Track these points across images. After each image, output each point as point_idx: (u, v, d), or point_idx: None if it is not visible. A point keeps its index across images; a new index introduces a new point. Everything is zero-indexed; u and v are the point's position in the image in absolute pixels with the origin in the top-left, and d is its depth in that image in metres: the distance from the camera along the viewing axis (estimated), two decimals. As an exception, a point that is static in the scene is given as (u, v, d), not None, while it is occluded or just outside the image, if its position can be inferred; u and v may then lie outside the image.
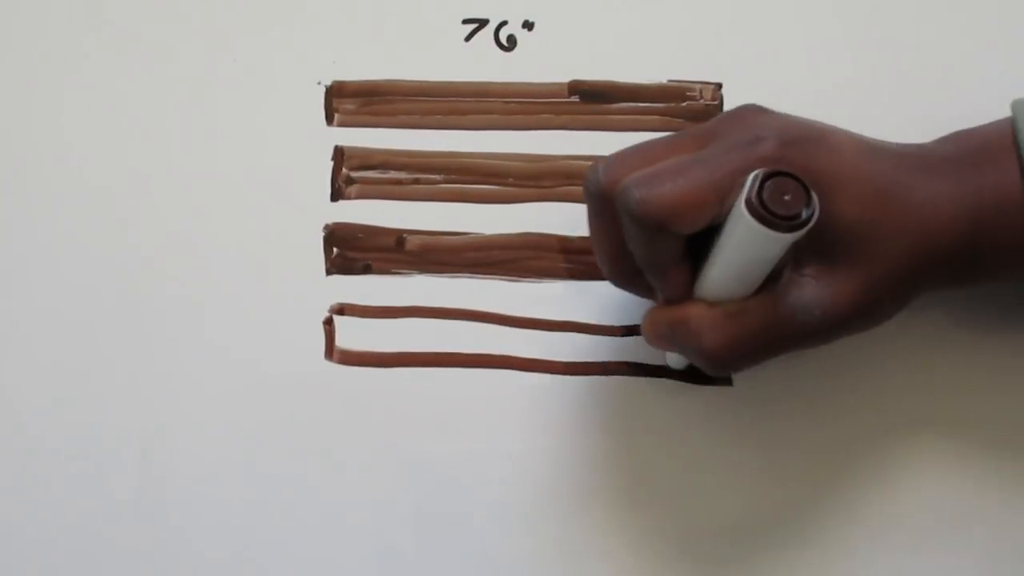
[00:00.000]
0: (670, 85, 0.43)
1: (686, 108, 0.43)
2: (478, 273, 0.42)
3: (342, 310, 0.42)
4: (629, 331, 0.41)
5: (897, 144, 0.37)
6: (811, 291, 0.34)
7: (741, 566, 0.40)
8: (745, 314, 0.35)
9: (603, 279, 0.39)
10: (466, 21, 0.45)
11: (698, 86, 0.43)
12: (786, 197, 0.31)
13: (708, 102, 0.43)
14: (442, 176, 0.43)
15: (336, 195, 0.43)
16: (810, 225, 0.31)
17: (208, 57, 0.44)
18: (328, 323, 0.42)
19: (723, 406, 0.41)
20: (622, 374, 0.41)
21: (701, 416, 0.41)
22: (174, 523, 0.40)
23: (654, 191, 0.33)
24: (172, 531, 0.40)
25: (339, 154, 0.43)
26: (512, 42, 0.44)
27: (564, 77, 0.44)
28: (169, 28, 0.45)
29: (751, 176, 0.32)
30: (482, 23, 0.44)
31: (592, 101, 0.43)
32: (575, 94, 0.44)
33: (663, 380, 0.41)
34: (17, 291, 0.42)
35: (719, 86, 0.43)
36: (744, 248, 0.33)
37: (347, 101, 0.44)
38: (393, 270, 0.42)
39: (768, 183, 0.31)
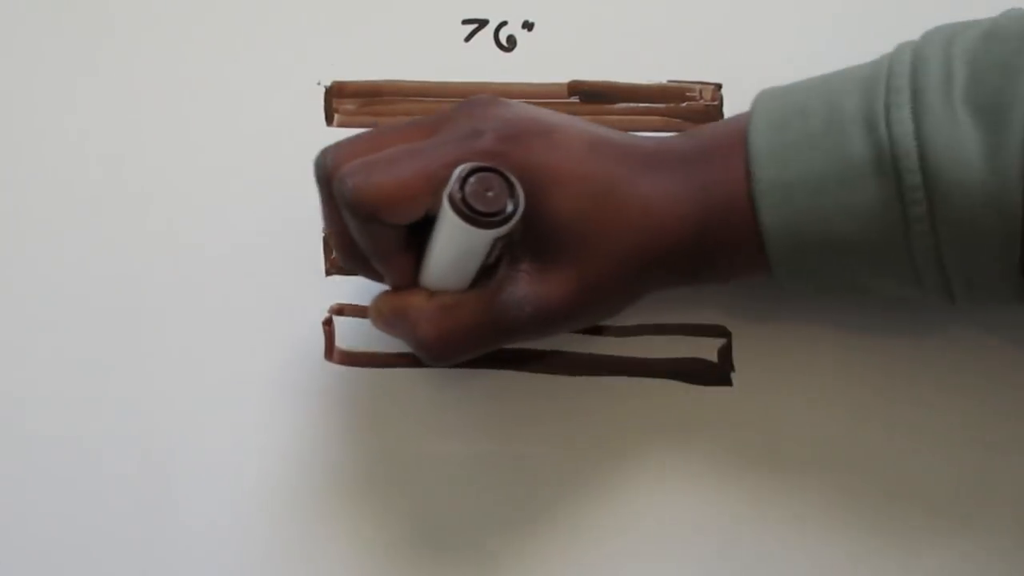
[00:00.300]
0: (670, 85, 0.43)
1: (686, 108, 0.43)
2: (478, 273, 0.42)
3: (342, 310, 0.42)
4: (629, 331, 0.41)
5: (635, 138, 0.36)
6: (524, 287, 0.34)
7: (741, 566, 0.40)
8: (460, 307, 0.35)
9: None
10: (466, 21, 0.45)
11: (698, 86, 0.43)
12: (489, 193, 0.31)
13: (708, 102, 0.43)
14: (442, 176, 0.43)
15: (336, 195, 0.43)
16: (511, 223, 0.31)
17: (208, 57, 0.44)
18: (328, 323, 0.42)
19: (723, 406, 0.41)
20: (622, 374, 0.41)
21: (701, 416, 0.41)
22: (174, 523, 0.40)
23: (367, 180, 0.33)
24: (172, 531, 0.40)
25: (339, 154, 0.43)
26: (512, 42, 0.44)
27: (564, 77, 0.44)
28: (169, 28, 0.45)
29: (456, 171, 0.32)
30: (482, 23, 0.44)
31: (592, 101, 0.43)
32: (575, 94, 0.44)
33: (663, 380, 0.41)
34: (17, 291, 0.42)
35: (719, 86, 0.43)
36: (452, 241, 0.33)
37: (347, 101, 0.44)
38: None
39: (472, 178, 0.31)
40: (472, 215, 0.31)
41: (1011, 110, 0.31)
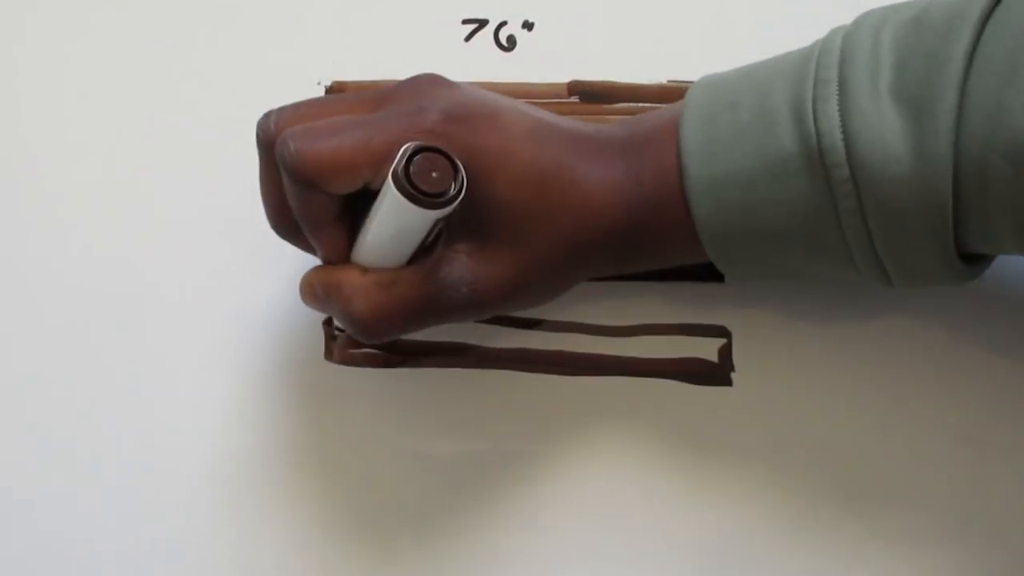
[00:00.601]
0: (670, 85, 0.43)
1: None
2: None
3: (342, 310, 0.42)
4: (629, 331, 0.41)
5: (579, 125, 0.36)
6: (461, 268, 0.34)
7: (741, 565, 0.40)
8: (395, 284, 0.35)
9: (604, 279, 0.40)
10: (466, 21, 0.45)
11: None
12: (434, 174, 0.31)
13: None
14: (442, 176, 0.43)
15: (336, 195, 0.43)
16: (454, 205, 0.32)
17: (208, 57, 0.44)
18: (328, 323, 0.42)
19: (723, 406, 0.41)
20: (622, 374, 0.41)
21: (701, 416, 0.41)
22: (174, 523, 0.40)
23: (308, 146, 0.33)
24: (171, 531, 0.40)
25: (339, 154, 0.43)
26: (512, 42, 0.44)
27: (564, 77, 0.44)
28: (169, 28, 0.45)
29: (402, 149, 0.31)
30: (482, 23, 0.44)
31: (592, 101, 0.43)
32: (575, 94, 0.44)
33: (663, 380, 0.41)
34: (16, 291, 0.42)
35: (719, 86, 0.43)
36: (392, 218, 0.33)
37: (347, 101, 0.44)
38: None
39: (418, 157, 0.31)
40: (416, 194, 0.31)
41: (937, 101, 0.31)
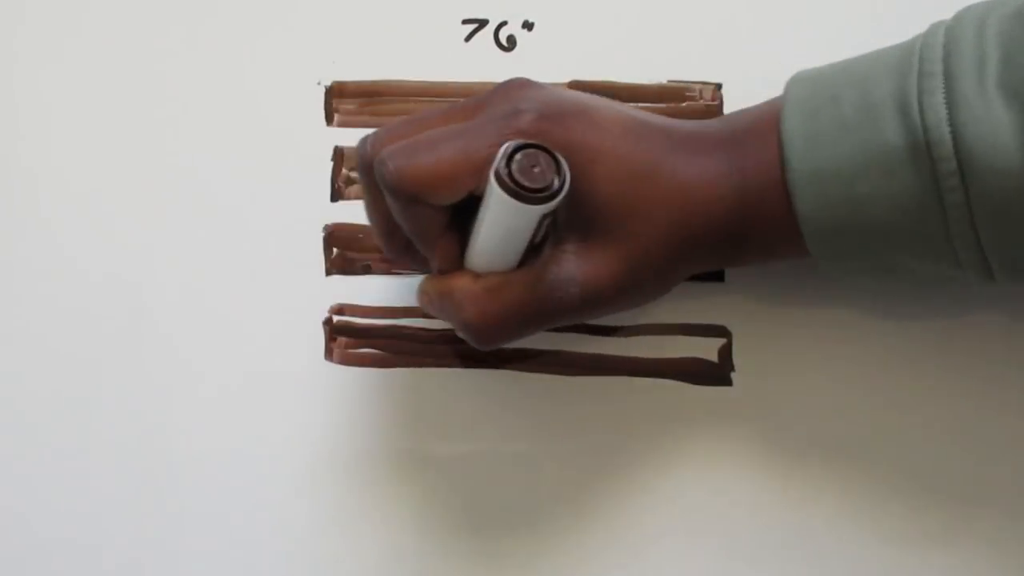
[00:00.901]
0: (670, 85, 0.43)
1: (686, 108, 0.43)
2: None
3: (342, 310, 0.42)
4: (629, 331, 0.41)
5: (672, 121, 0.36)
6: (570, 267, 0.34)
7: (741, 565, 0.40)
8: (506, 288, 0.35)
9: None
10: (466, 21, 0.45)
11: (698, 86, 0.43)
12: (536, 169, 0.31)
13: (708, 102, 0.43)
14: (442, 176, 0.43)
15: (336, 195, 0.43)
16: (559, 198, 0.31)
17: (208, 57, 0.44)
18: (328, 323, 0.42)
19: (723, 406, 0.41)
20: (622, 374, 0.41)
21: (701, 416, 0.41)
22: (174, 523, 0.40)
23: (408, 162, 0.33)
24: (172, 531, 0.40)
25: (339, 154, 0.43)
26: (512, 42, 0.44)
27: (564, 77, 0.44)
28: (169, 28, 0.45)
29: (502, 148, 0.32)
30: (482, 23, 0.44)
31: (592, 101, 0.43)
32: (575, 94, 0.44)
33: (663, 380, 0.41)
34: (17, 291, 0.42)
35: (719, 86, 0.43)
36: (498, 220, 0.33)
37: (347, 101, 0.44)
38: (393, 270, 0.42)
39: (518, 155, 0.31)
40: (519, 191, 0.31)
41: None
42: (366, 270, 0.42)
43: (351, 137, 0.43)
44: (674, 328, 0.41)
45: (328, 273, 0.42)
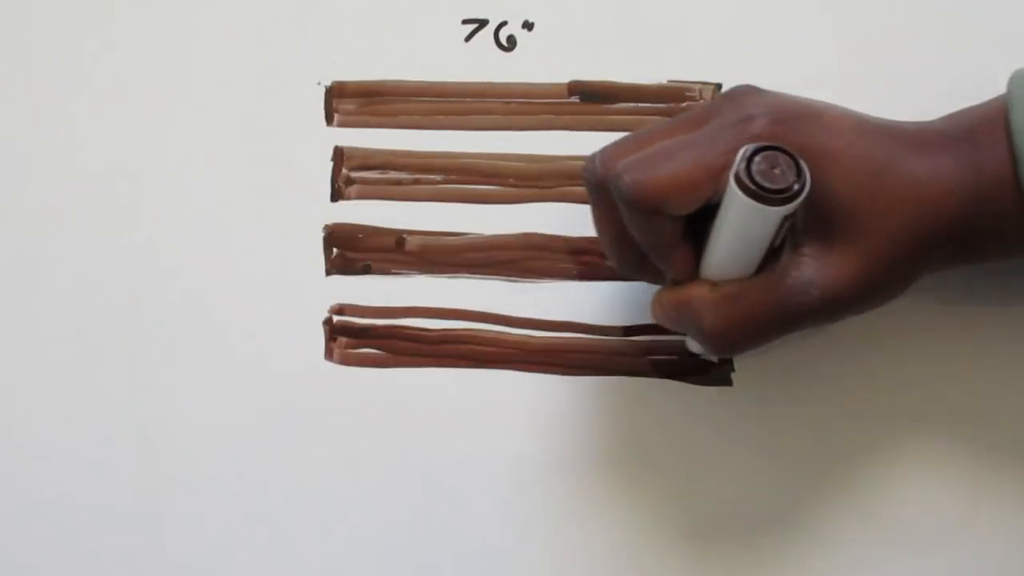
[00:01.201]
0: (670, 85, 0.43)
1: (686, 108, 0.43)
2: (478, 273, 0.42)
3: (342, 310, 0.42)
4: (629, 331, 0.41)
5: (892, 122, 0.36)
6: (810, 270, 0.34)
7: (742, 565, 0.40)
8: (745, 295, 0.35)
9: (603, 279, 0.40)
10: (466, 21, 0.45)
11: (698, 86, 0.43)
12: (776, 171, 0.31)
13: (708, 103, 0.43)
14: (442, 176, 0.43)
15: (336, 195, 0.43)
16: (801, 198, 0.31)
17: (208, 57, 0.44)
18: (328, 323, 0.42)
19: (723, 406, 0.41)
20: (622, 374, 0.41)
21: (701, 416, 0.41)
22: (174, 523, 0.40)
23: (646, 175, 0.33)
24: (172, 531, 0.40)
25: (339, 154, 0.43)
26: (512, 42, 0.44)
27: (564, 77, 0.44)
28: (168, 28, 0.45)
29: (741, 151, 0.32)
30: (482, 23, 0.44)
31: (592, 101, 0.43)
32: (575, 94, 0.44)
33: (663, 380, 0.41)
34: (18, 291, 0.42)
35: (719, 86, 0.43)
36: (738, 225, 0.33)
37: (347, 101, 0.44)
38: (393, 270, 0.42)
39: (757, 157, 0.31)
40: (761, 193, 0.31)
41: None
42: (366, 270, 0.42)
43: (351, 137, 0.43)
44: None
45: (328, 273, 0.42)
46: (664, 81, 0.43)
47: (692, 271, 0.36)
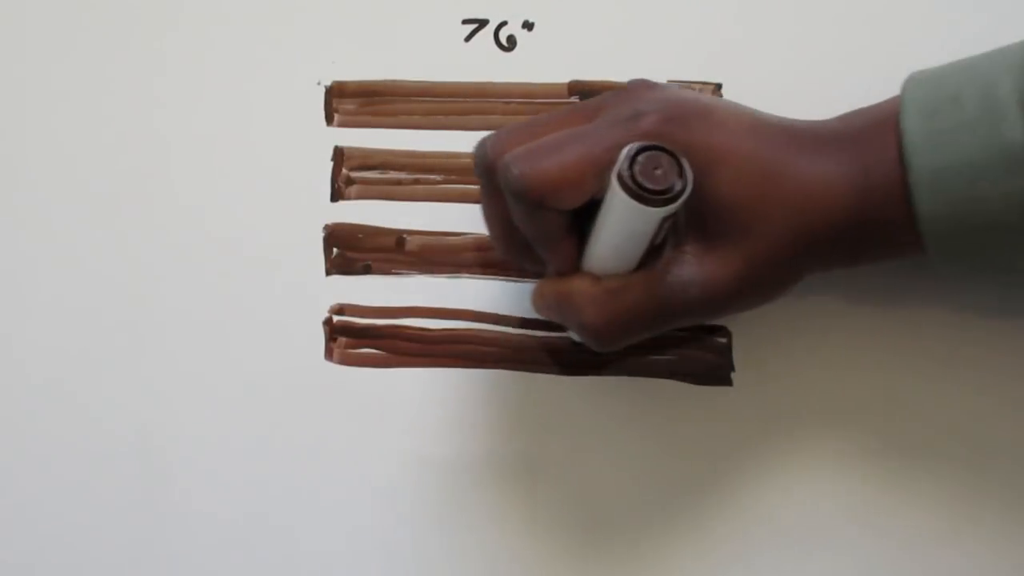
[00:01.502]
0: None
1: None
2: (478, 273, 0.42)
3: (342, 310, 0.42)
4: (629, 331, 0.41)
5: (790, 120, 0.36)
6: (690, 269, 0.34)
7: (742, 565, 0.40)
8: (626, 291, 0.35)
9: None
10: (466, 21, 0.45)
11: (698, 86, 0.43)
12: (658, 171, 0.31)
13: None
14: (442, 176, 0.43)
15: (336, 195, 0.43)
16: (681, 200, 0.31)
17: (208, 57, 0.44)
18: (328, 323, 0.42)
19: (723, 406, 0.41)
20: (622, 374, 0.41)
21: (701, 416, 0.41)
22: (174, 523, 0.40)
23: (532, 167, 0.33)
24: (172, 531, 0.40)
25: (339, 154, 0.43)
26: (512, 42, 0.44)
27: (564, 77, 0.44)
28: (168, 28, 0.45)
29: (624, 150, 0.32)
30: (482, 23, 0.44)
31: (592, 101, 0.43)
32: (575, 94, 0.44)
33: (663, 380, 0.41)
34: (18, 291, 0.42)
35: (719, 86, 0.43)
36: (620, 222, 0.33)
37: (347, 101, 0.44)
38: (393, 270, 0.42)
39: (640, 157, 0.31)
40: (642, 193, 0.31)
41: None
42: (366, 270, 0.42)
43: (351, 137, 0.43)
44: (674, 328, 0.41)
45: (328, 273, 0.42)
46: (664, 81, 0.43)
47: (575, 264, 0.36)
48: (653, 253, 0.35)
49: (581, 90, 0.43)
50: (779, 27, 0.44)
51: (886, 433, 0.40)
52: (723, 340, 0.41)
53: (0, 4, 0.45)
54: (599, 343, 0.35)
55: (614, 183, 0.32)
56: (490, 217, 0.37)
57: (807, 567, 0.39)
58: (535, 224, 0.35)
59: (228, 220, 0.43)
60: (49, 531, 0.40)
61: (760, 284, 0.35)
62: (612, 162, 0.32)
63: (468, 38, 0.44)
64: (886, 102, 0.36)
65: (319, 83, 0.44)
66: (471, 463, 0.41)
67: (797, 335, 0.41)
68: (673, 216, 0.33)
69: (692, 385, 0.41)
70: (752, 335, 0.41)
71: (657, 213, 0.32)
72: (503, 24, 0.44)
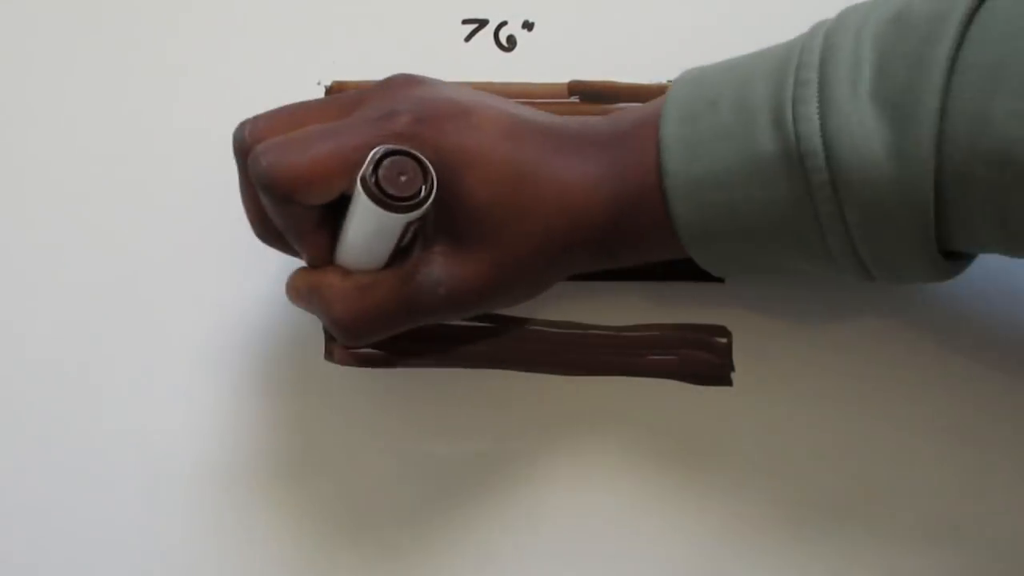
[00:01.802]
0: (670, 85, 0.43)
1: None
2: (478, 273, 0.42)
3: (342, 310, 0.42)
4: (629, 331, 0.41)
5: (556, 120, 0.36)
6: (438, 269, 0.34)
7: (740, 565, 0.40)
8: (374, 288, 0.35)
9: (603, 280, 0.40)
10: (466, 21, 0.45)
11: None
12: (403, 177, 0.31)
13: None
14: (442, 176, 0.43)
15: (336, 195, 0.43)
16: (423, 208, 0.32)
17: (208, 57, 0.44)
18: (328, 323, 0.42)
19: (723, 406, 0.41)
20: (622, 374, 0.41)
21: (701, 416, 0.41)
22: (174, 523, 0.40)
23: (281, 160, 0.33)
24: (171, 530, 0.40)
25: (339, 154, 0.43)
26: (512, 42, 0.44)
27: (564, 77, 0.44)
28: (168, 28, 0.45)
29: (372, 153, 0.32)
30: (482, 23, 0.44)
31: (592, 101, 0.43)
32: (575, 94, 0.44)
33: (663, 380, 0.41)
34: (17, 291, 0.42)
35: (719, 86, 0.43)
36: (365, 223, 0.33)
37: (347, 101, 0.44)
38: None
39: (386, 161, 0.31)
40: (384, 199, 0.31)
41: (919, 105, 0.30)
42: (366, 270, 0.42)
43: (351, 137, 0.43)
44: (674, 328, 0.41)
45: (328, 273, 0.42)
46: (664, 81, 0.43)
47: (326, 256, 0.36)
48: (403, 252, 0.35)
49: (581, 90, 0.44)
50: (779, 27, 0.44)
51: (887, 431, 0.40)
52: (723, 340, 0.41)
53: (0, 4, 0.45)
54: (346, 337, 0.35)
55: (358, 186, 0.32)
56: (246, 201, 0.37)
57: (808, 566, 0.39)
58: (284, 216, 0.34)
59: (228, 219, 0.43)
60: (48, 533, 0.40)
61: (508, 285, 0.35)
62: (361, 162, 0.32)
63: (468, 38, 0.44)
64: (656, 101, 0.36)
65: (319, 83, 0.44)
66: (471, 463, 0.41)
67: (797, 336, 0.41)
68: (417, 221, 0.33)
69: (692, 385, 0.41)
70: (752, 335, 0.41)
71: (399, 218, 0.32)
72: (503, 24, 0.44)
